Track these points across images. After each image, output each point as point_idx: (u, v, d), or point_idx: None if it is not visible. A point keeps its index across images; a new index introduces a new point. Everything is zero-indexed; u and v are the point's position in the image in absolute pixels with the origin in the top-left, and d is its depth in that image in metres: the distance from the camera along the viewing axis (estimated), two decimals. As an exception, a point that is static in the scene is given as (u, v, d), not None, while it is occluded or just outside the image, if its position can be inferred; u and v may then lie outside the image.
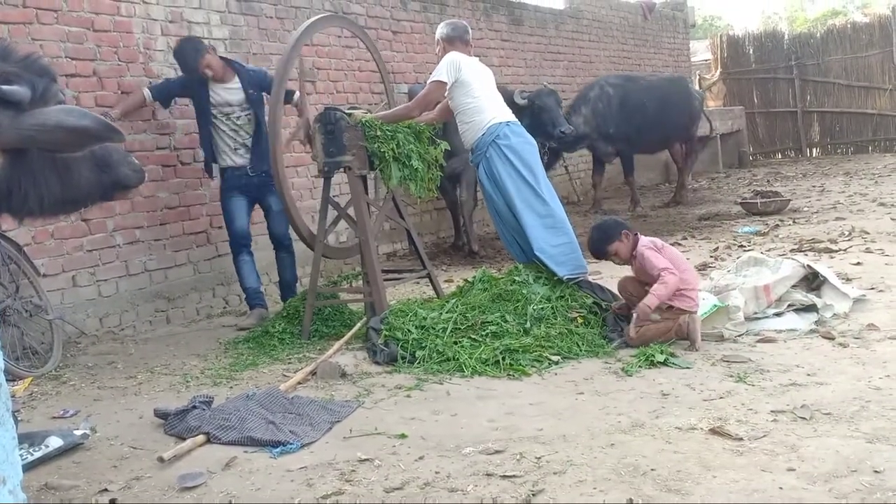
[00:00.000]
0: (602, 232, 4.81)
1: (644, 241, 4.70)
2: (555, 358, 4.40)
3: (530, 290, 4.87)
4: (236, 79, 5.93)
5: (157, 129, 6.30)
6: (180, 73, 6.13)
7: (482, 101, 5.22)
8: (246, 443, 3.47)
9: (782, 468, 2.87)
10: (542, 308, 4.76)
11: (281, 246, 6.18)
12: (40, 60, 2.42)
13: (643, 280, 4.70)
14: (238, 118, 5.94)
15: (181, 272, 6.44)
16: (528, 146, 5.22)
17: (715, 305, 4.71)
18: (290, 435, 3.49)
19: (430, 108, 5.39)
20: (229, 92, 5.91)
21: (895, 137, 16.72)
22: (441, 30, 5.49)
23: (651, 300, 4.48)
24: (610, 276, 5.71)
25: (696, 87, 12.24)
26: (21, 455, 3.12)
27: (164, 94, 6.06)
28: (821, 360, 4.11)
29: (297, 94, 5.88)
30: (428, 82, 5.32)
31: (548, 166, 8.33)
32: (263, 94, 5.97)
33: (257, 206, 6.20)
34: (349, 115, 5.21)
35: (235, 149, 5.99)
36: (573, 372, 4.25)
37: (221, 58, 6.02)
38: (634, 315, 4.54)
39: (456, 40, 5.42)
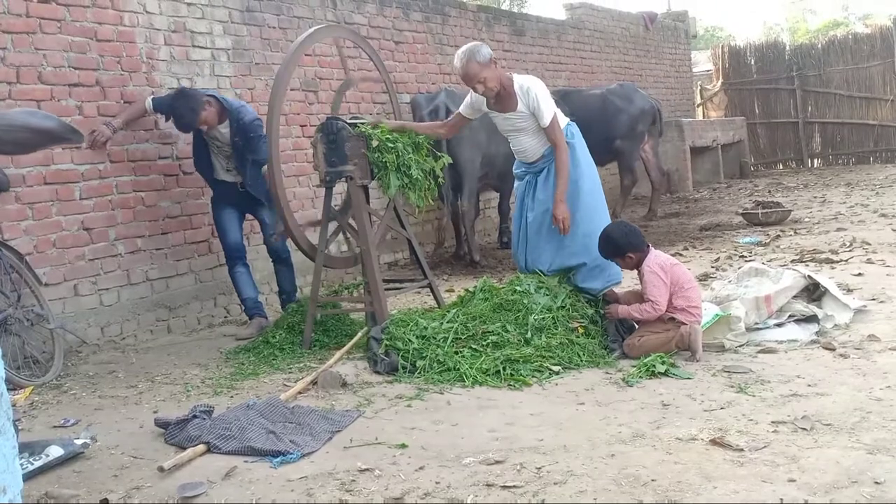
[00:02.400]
0: (626, 239, 4.71)
1: (651, 259, 4.65)
2: (555, 368, 4.40)
3: (531, 300, 4.86)
4: (227, 122, 5.85)
5: (159, 138, 6.32)
6: (182, 83, 6.15)
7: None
8: (246, 452, 3.46)
9: (783, 479, 2.86)
10: (543, 318, 4.75)
11: (279, 259, 6.18)
12: None
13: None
14: (229, 152, 5.93)
15: (182, 281, 6.45)
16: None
17: (717, 315, 4.71)
18: (291, 445, 3.49)
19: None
20: (221, 132, 5.89)
21: (896, 148, 16.77)
22: (483, 52, 4.99)
23: (624, 311, 4.70)
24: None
25: (641, 100, 10.62)
26: (21, 464, 3.13)
27: (165, 108, 6.06)
28: (822, 370, 4.11)
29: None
30: (550, 122, 4.95)
31: None
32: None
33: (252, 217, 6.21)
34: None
35: (228, 169, 6.02)
36: (574, 382, 4.25)
37: (212, 97, 5.86)
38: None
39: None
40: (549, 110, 4.98)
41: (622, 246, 4.70)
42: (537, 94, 4.97)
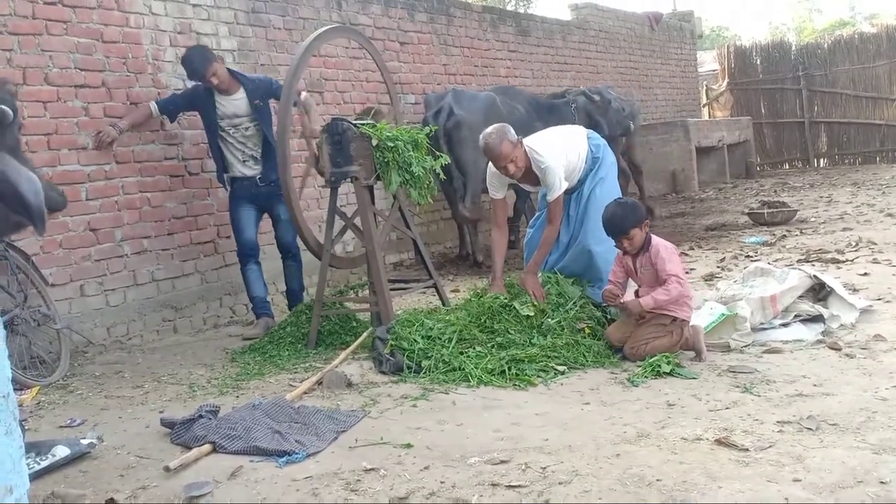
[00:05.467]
0: (631, 211, 4.60)
1: (658, 240, 4.63)
2: (561, 368, 4.40)
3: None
4: (241, 90, 5.94)
5: (165, 139, 6.34)
6: (188, 85, 6.16)
7: (576, 159, 5.23)
8: (252, 452, 3.47)
9: (788, 479, 2.86)
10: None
11: (288, 255, 6.20)
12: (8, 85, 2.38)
13: (647, 283, 4.63)
14: (247, 129, 5.96)
15: (188, 282, 6.47)
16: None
17: (722, 314, 4.71)
18: (296, 444, 3.49)
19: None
20: (235, 104, 5.93)
21: (903, 148, 16.71)
22: (512, 132, 5.02)
23: (648, 302, 4.45)
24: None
25: (615, 102, 10.03)
26: (28, 464, 3.14)
27: (171, 108, 6.09)
28: (827, 370, 4.10)
29: (304, 94, 5.85)
30: (554, 199, 5.05)
31: None
32: (271, 103, 5.98)
33: (265, 216, 6.22)
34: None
35: (244, 161, 6.01)
36: (579, 382, 4.25)
37: (227, 69, 6.03)
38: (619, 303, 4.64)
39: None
40: (558, 189, 5.05)
41: (639, 218, 4.56)
42: (554, 176, 5.04)
